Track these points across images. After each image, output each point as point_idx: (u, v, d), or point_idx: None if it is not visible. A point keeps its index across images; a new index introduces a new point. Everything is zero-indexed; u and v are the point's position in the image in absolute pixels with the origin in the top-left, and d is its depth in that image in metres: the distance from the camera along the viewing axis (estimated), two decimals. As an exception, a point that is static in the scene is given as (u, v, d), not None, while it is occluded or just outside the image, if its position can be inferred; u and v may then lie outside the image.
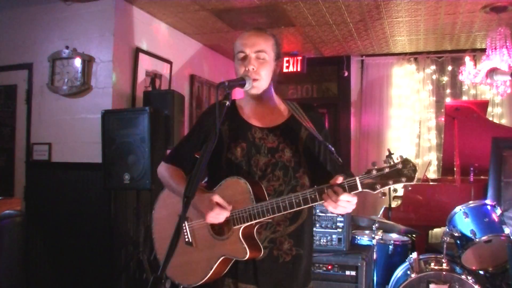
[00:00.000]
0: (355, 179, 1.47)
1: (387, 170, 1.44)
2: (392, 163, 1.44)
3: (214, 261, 1.65)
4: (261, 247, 1.65)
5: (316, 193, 1.52)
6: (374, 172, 1.44)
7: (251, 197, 1.61)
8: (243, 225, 1.61)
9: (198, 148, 1.82)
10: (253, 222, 1.60)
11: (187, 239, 1.74)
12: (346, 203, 1.50)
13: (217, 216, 1.61)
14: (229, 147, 1.74)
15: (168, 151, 3.68)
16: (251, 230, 1.65)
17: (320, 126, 1.79)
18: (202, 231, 1.72)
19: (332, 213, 2.96)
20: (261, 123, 1.77)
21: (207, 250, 1.69)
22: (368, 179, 1.45)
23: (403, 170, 1.42)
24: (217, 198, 1.62)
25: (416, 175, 1.43)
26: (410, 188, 4.28)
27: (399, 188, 4.42)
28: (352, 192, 1.48)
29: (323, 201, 1.52)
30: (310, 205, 1.55)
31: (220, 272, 1.69)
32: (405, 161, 1.43)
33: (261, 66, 1.70)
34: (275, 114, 1.79)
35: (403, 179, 1.43)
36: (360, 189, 1.46)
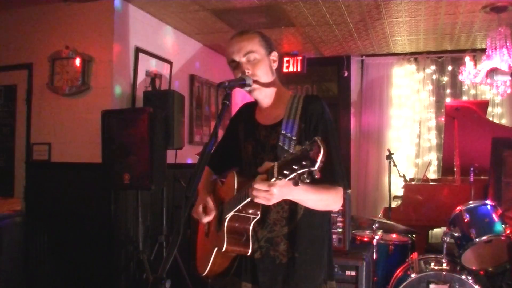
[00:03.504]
0: (273, 165, 1.33)
1: (296, 154, 1.24)
2: (304, 146, 1.24)
3: (212, 252, 1.71)
4: (250, 244, 1.64)
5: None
6: (288, 157, 1.27)
7: (234, 189, 1.64)
8: (227, 216, 1.64)
9: (228, 150, 1.94)
10: (232, 213, 1.61)
11: (206, 231, 1.86)
12: (263, 192, 1.38)
13: (202, 219, 1.76)
14: (244, 146, 1.81)
15: (168, 151, 3.72)
16: (244, 225, 1.65)
17: (316, 120, 1.67)
18: (213, 223, 1.80)
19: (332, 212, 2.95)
20: (265, 120, 1.78)
21: (212, 241, 1.76)
22: (283, 166, 1.28)
23: (309, 152, 1.20)
24: (207, 202, 1.76)
25: (319, 159, 1.18)
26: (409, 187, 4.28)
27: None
28: (271, 180, 1.35)
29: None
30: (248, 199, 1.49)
31: (222, 265, 1.73)
32: (312, 143, 1.21)
33: (255, 67, 1.70)
34: (278, 110, 1.75)
35: (307, 163, 1.20)
36: (275, 176, 1.31)
